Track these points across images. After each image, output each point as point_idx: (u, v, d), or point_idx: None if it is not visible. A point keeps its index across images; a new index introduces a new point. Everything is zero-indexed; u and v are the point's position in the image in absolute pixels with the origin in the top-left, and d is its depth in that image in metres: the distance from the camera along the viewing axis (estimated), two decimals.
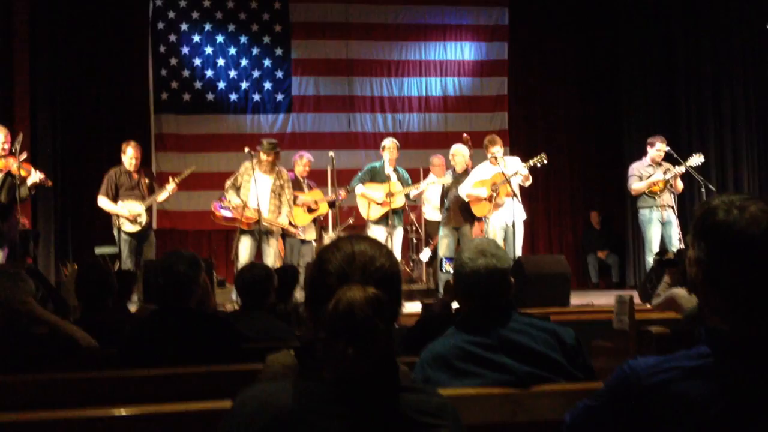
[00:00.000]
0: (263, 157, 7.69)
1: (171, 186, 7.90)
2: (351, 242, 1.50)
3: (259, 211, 7.53)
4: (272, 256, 7.63)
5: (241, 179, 7.74)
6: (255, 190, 7.58)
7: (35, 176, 7.12)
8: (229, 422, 1.43)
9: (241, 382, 1.65)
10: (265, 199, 7.62)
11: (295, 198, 8.24)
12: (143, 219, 7.72)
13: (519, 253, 7.75)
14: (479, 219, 8.11)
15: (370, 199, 8.19)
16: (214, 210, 7.86)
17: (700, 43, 10.34)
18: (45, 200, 9.23)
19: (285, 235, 8.25)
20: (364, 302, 1.37)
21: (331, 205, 8.55)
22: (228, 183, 7.78)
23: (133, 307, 7.03)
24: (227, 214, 7.74)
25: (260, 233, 7.51)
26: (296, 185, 8.45)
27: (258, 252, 7.60)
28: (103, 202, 7.69)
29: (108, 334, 3.40)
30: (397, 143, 8.41)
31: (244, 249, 7.60)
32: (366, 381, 1.40)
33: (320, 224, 8.93)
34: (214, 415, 1.50)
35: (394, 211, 8.16)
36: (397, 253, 8.17)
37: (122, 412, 2.09)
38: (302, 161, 8.66)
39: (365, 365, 1.38)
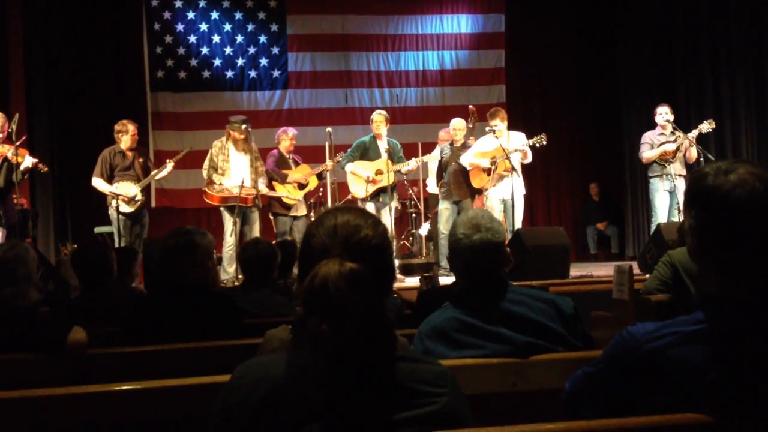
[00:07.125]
0: (237, 136, 7.74)
1: (169, 165, 7.89)
2: (336, 215, 1.48)
3: (257, 188, 7.61)
4: (258, 231, 7.73)
5: (216, 160, 7.76)
6: (239, 169, 7.67)
7: (28, 161, 7.09)
8: (227, 396, 1.44)
9: (242, 356, 1.65)
10: (247, 176, 7.68)
11: (285, 177, 8.21)
12: (139, 199, 7.71)
13: (519, 227, 7.74)
14: (479, 192, 8.09)
15: (360, 177, 8.12)
16: (211, 192, 7.76)
17: (698, 12, 10.25)
18: (43, 180, 9.21)
19: (276, 213, 8.25)
20: (339, 278, 1.36)
21: (319, 176, 8.49)
22: (207, 171, 7.76)
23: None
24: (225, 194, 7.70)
25: (244, 209, 7.60)
26: (282, 162, 8.36)
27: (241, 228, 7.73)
28: (98, 182, 7.68)
29: (108, 313, 3.41)
30: (386, 115, 8.29)
31: (231, 225, 7.65)
32: (359, 352, 1.39)
33: (310, 198, 8.84)
34: (215, 389, 1.51)
35: (384, 189, 8.06)
36: (390, 229, 8.13)
37: (123, 387, 2.09)
38: (288, 136, 8.41)
39: (339, 341, 1.36)
